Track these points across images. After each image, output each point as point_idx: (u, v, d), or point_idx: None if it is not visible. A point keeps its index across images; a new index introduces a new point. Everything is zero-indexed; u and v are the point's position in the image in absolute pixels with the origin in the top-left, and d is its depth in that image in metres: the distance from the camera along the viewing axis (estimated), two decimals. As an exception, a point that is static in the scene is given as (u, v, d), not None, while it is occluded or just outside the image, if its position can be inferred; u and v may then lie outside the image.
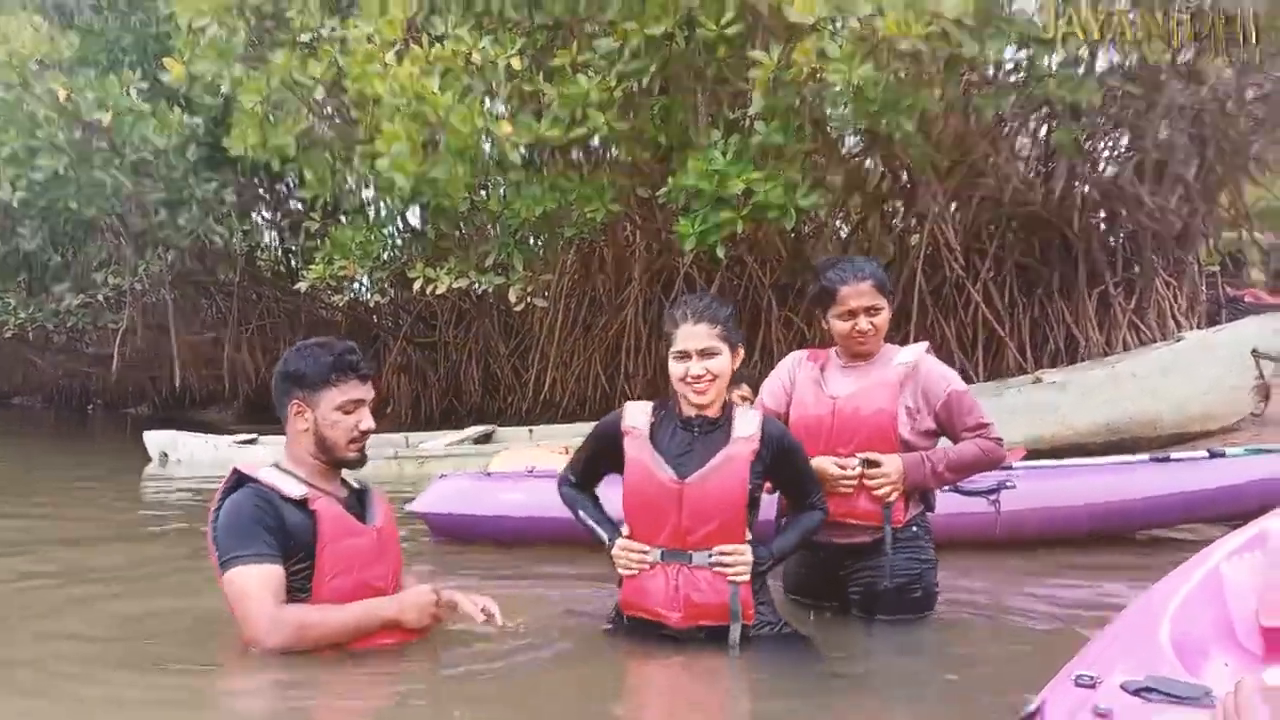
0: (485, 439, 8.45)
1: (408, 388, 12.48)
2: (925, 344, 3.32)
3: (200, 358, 14.33)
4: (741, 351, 2.86)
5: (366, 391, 2.71)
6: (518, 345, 11.68)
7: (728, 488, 2.73)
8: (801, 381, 3.28)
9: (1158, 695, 1.37)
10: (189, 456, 8.08)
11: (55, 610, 3.42)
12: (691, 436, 2.80)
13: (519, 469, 4.80)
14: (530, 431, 8.55)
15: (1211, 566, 2.01)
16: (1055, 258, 8.43)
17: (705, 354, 2.73)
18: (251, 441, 8.13)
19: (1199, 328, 8.04)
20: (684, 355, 2.76)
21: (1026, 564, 4.09)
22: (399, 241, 8.46)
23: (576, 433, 7.88)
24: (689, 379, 2.74)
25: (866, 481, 3.03)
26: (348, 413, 2.66)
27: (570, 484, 3.08)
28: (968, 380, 8.33)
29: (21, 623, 3.24)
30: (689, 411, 2.80)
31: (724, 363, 2.76)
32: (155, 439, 8.34)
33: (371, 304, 10.64)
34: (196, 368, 14.07)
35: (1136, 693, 1.38)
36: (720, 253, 6.28)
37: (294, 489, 2.59)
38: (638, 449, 2.81)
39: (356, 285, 9.59)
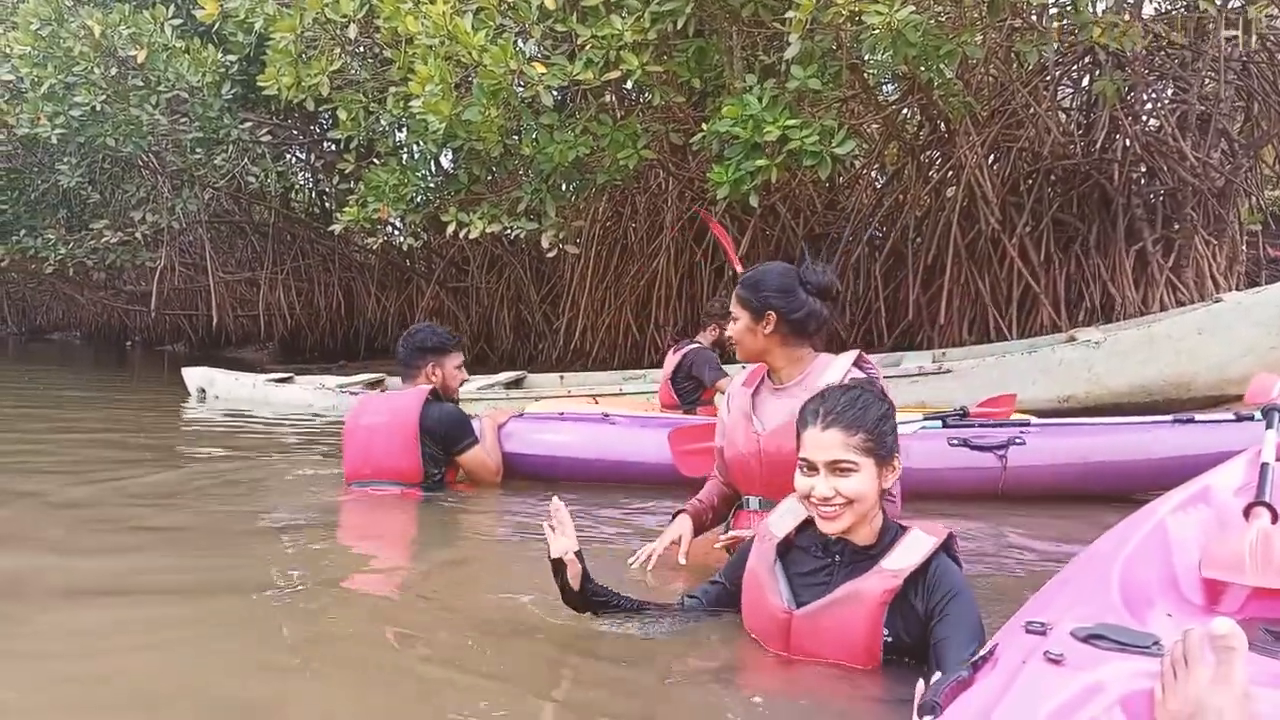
0: (517, 384, 8.52)
1: (439, 332, 12.56)
2: (855, 353, 2.88)
3: (236, 297, 14.53)
4: (898, 463, 2.21)
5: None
6: (549, 292, 11.72)
7: (846, 633, 2.08)
8: (733, 412, 2.96)
9: (1107, 643, 1.38)
10: (226, 393, 8.22)
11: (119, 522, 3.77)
12: (831, 562, 2.22)
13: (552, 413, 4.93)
14: (561, 378, 8.60)
15: (1158, 520, 2.02)
16: (1093, 213, 8.29)
17: (836, 469, 2.11)
18: (287, 380, 8.26)
19: (1238, 288, 7.89)
20: (808, 467, 2.15)
21: (1027, 519, 4.00)
22: (432, 185, 8.44)
23: (607, 380, 7.95)
24: (815, 500, 2.14)
25: None
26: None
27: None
28: (1000, 337, 8.32)
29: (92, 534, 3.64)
30: (827, 530, 2.20)
31: (864, 483, 2.10)
32: (194, 375, 8.50)
33: (404, 248, 10.67)
34: (232, 307, 14.25)
35: (1086, 640, 1.40)
36: (753, 201, 6.22)
37: None
38: (758, 560, 2.31)
39: (389, 228, 9.60)
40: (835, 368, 2.79)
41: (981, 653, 1.52)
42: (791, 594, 2.22)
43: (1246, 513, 2.02)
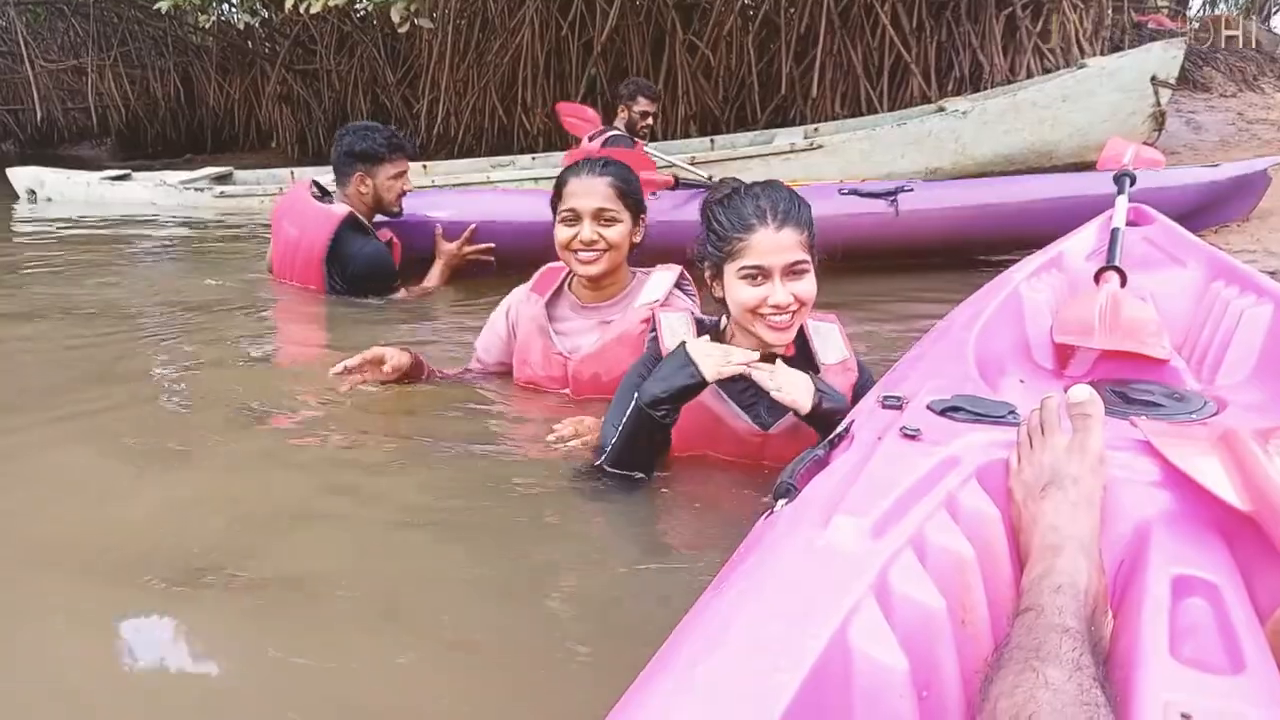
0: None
1: (291, 120, 11.80)
2: (677, 269, 2.45)
3: (63, 88, 13.29)
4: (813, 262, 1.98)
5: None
6: (407, 73, 11.03)
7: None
8: (524, 325, 2.52)
9: (964, 414, 1.36)
10: (59, 194, 7.59)
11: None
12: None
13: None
14: (425, 167, 8.21)
15: (1012, 288, 2.03)
16: (966, -24, 8.13)
17: (792, 272, 1.85)
18: (124, 177, 7.66)
19: (1102, 54, 7.95)
20: (761, 274, 1.84)
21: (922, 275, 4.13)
22: (266, -47, 7.66)
23: (474, 168, 7.59)
24: (769, 309, 1.85)
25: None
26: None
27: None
28: (871, 110, 8.25)
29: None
30: (757, 346, 1.94)
31: (813, 284, 1.89)
32: (21, 176, 7.79)
33: (242, 26, 9.78)
34: (60, 100, 13.05)
35: (943, 412, 1.38)
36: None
37: None
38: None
39: (223, 5, 8.75)
40: (657, 286, 2.40)
41: (838, 430, 1.49)
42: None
43: (1097, 278, 2.04)
